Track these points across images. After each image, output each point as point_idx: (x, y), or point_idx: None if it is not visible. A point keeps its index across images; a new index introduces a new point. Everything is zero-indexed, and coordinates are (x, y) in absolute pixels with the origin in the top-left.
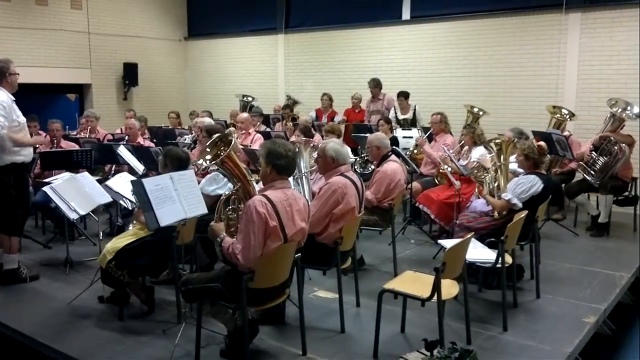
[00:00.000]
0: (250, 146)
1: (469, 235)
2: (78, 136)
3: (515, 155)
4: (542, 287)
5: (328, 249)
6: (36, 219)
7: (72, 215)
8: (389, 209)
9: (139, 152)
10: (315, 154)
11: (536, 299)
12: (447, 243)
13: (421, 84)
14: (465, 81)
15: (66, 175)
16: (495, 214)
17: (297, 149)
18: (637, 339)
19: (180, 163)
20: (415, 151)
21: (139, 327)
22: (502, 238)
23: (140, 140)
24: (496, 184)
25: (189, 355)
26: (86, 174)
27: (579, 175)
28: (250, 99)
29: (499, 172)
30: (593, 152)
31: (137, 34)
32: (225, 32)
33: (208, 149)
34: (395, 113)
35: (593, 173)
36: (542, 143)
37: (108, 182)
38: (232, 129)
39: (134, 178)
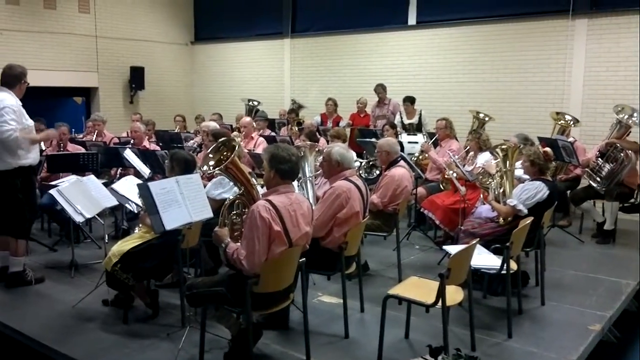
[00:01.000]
0: (254, 150)
1: (474, 242)
2: (84, 139)
3: (520, 161)
4: (547, 294)
5: (333, 254)
6: (42, 221)
7: (78, 218)
8: (394, 214)
9: (145, 155)
10: (320, 158)
11: (541, 305)
12: (452, 249)
13: (427, 89)
14: (471, 87)
15: (72, 178)
16: (501, 220)
17: (302, 153)
18: None
19: (187, 166)
20: (421, 157)
21: (143, 331)
22: (508, 244)
23: (146, 143)
24: (501, 190)
25: (193, 359)
26: (92, 177)
27: (584, 182)
28: (255, 103)
29: (504, 178)
30: (599, 159)
31: (144, 38)
32: (231, 36)
33: (211, 155)
34: (401, 118)
35: (599, 180)
36: (547, 149)
37: (114, 186)
38: (236, 133)
39: (139, 181)
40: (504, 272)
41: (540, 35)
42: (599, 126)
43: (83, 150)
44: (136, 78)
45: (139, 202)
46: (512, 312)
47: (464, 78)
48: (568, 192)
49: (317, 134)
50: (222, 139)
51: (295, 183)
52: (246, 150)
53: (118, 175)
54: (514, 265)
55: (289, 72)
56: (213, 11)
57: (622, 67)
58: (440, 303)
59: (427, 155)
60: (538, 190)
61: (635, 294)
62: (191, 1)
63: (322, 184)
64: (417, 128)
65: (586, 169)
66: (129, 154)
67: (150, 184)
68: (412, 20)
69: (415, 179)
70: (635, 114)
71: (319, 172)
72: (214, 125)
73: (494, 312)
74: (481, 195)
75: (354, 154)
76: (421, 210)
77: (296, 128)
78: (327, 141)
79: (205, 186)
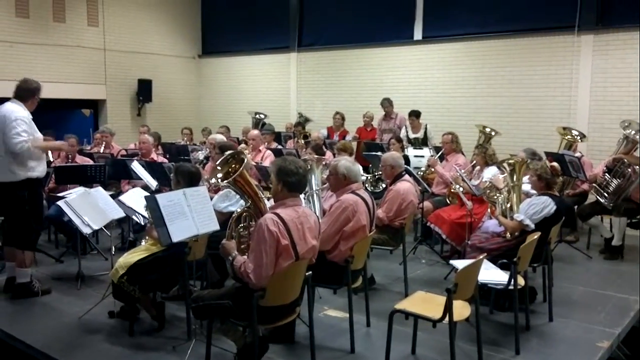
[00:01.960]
0: (261, 163)
1: (481, 256)
2: (92, 151)
3: (528, 176)
4: (555, 310)
5: (339, 268)
6: (49, 233)
7: (86, 230)
8: (400, 228)
9: (152, 167)
10: (326, 172)
11: (549, 322)
12: (459, 264)
13: (433, 104)
14: (477, 101)
15: (80, 189)
16: (508, 234)
17: (309, 167)
18: None
19: (191, 177)
20: (427, 171)
21: (149, 343)
22: (515, 259)
23: (153, 155)
24: (508, 205)
25: None
26: (100, 188)
27: (591, 197)
28: (262, 116)
29: (511, 192)
30: (606, 174)
31: (151, 51)
32: (238, 50)
33: (219, 167)
34: (407, 132)
35: (606, 195)
36: (555, 164)
37: (121, 197)
38: (243, 145)
39: (146, 193)
40: (511, 287)
41: (546, 51)
42: (606, 141)
43: (91, 162)
44: (144, 91)
45: (146, 214)
46: (519, 328)
47: (469, 93)
48: (575, 207)
49: (323, 147)
50: (231, 151)
51: (302, 196)
52: (253, 163)
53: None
54: (521, 281)
55: (295, 85)
56: (220, 25)
57: (629, 83)
58: (447, 318)
59: (433, 169)
60: (545, 205)
61: None
62: (199, 15)
63: (327, 197)
64: (422, 142)
65: (593, 185)
66: (136, 166)
67: (158, 196)
68: (418, 35)
69: (421, 193)
70: None
71: (325, 185)
72: (220, 137)
73: (502, 328)
74: (488, 210)
75: (360, 168)
76: (427, 224)
77: (302, 141)
78: (334, 154)
79: (212, 199)
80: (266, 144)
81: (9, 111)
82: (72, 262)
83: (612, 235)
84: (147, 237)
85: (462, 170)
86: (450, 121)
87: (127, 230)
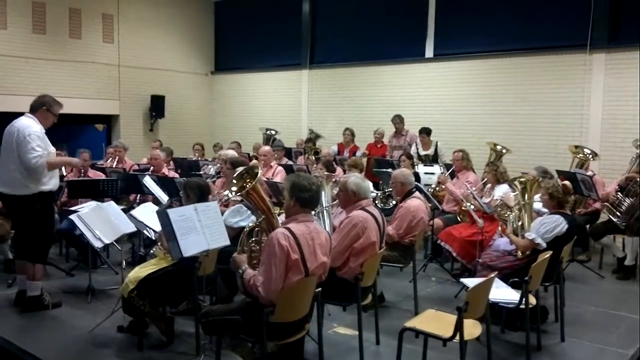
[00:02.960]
0: (272, 179)
1: (492, 275)
2: (104, 166)
3: (539, 195)
4: (567, 330)
5: (349, 285)
6: (60, 246)
7: (97, 244)
8: (410, 246)
9: (164, 182)
10: (337, 188)
11: (561, 342)
12: (470, 282)
13: (443, 121)
14: (488, 119)
15: (92, 204)
16: (519, 253)
17: (319, 183)
18: None
19: (201, 192)
20: (437, 188)
21: (158, 358)
22: (526, 278)
23: (165, 170)
24: (520, 223)
25: None
26: (112, 203)
27: (603, 216)
28: (273, 132)
29: (523, 210)
30: (619, 193)
31: (165, 68)
32: (250, 67)
33: (234, 181)
34: (417, 149)
35: (619, 214)
36: (566, 182)
37: (133, 212)
38: (255, 161)
39: (158, 208)
40: (522, 306)
41: (557, 69)
42: (618, 160)
43: (103, 177)
44: (157, 106)
45: (157, 228)
46: (531, 348)
47: (480, 110)
48: (587, 226)
49: (334, 163)
50: (246, 166)
51: (312, 213)
52: (264, 179)
53: (137, 202)
54: (532, 300)
55: (306, 102)
56: (233, 42)
57: None
58: (458, 337)
59: (443, 186)
60: (557, 224)
61: None
62: (212, 32)
63: (337, 213)
64: (433, 159)
65: (606, 203)
66: (148, 181)
67: (169, 211)
68: (429, 52)
69: (431, 210)
70: None
71: (335, 202)
72: (232, 153)
73: (513, 348)
74: (499, 228)
75: (370, 184)
76: (438, 241)
77: (313, 157)
78: (344, 171)
79: (222, 213)
80: (277, 159)
81: (22, 126)
82: (83, 275)
83: (625, 254)
84: (159, 244)
85: (473, 188)
86: (461, 138)
87: (137, 245)
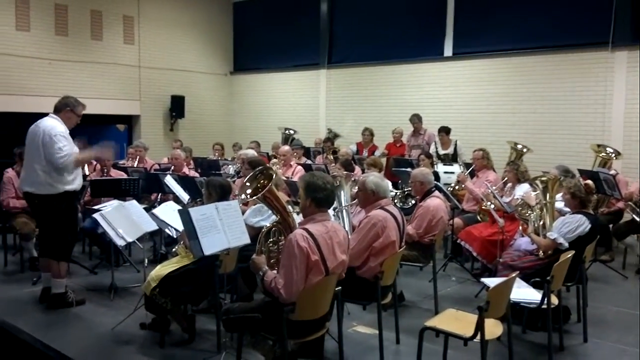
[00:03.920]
0: (291, 178)
1: (513, 274)
2: (126, 165)
3: (561, 194)
4: (589, 330)
5: (368, 284)
6: (83, 244)
7: (120, 242)
8: (430, 245)
9: (184, 181)
10: (356, 188)
11: (583, 342)
12: (491, 281)
13: (463, 120)
14: (508, 118)
15: (115, 202)
16: (541, 253)
17: (338, 183)
18: None
19: (222, 190)
20: (457, 187)
21: (179, 355)
22: (548, 278)
23: (185, 170)
24: (541, 223)
25: None
26: (134, 202)
27: (627, 216)
28: (292, 131)
29: (544, 210)
30: None
31: (185, 68)
32: (269, 67)
33: (248, 183)
34: (436, 148)
35: None
36: (589, 182)
37: (154, 211)
38: (274, 160)
39: (179, 207)
40: (544, 306)
41: (579, 67)
42: None
43: (125, 176)
44: (177, 106)
45: (178, 226)
46: (553, 349)
47: (500, 109)
48: (610, 225)
49: (352, 163)
50: (260, 167)
51: (331, 212)
52: (284, 178)
53: (158, 201)
54: (555, 300)
55: (324, 101)
56: (252, 43)
57: None
58: (479, 336)
59: (463, 185)
60: (579, 223)
61: None
62: (231, 33)
63: (356, 212)
64: (452, 158)
65: (629, 203)
66: (169, 180)
67: (191, 210)
68: (448, 51)
69: (451, 209)
70: None
71: (355, 201)
72: (252, 153)
73: (534, 348)
74: (520, 228)
75: (389, 183)
76: (458, 241)
77: (332, 156)
78: (363, 170)
79: (243, 212)
80: (296, 158)
81: (48, 127)
82: (106, 273)
83: None
84: (181, 242)
85: (494, 187)
86: (480, 138)
87: (159, 243)
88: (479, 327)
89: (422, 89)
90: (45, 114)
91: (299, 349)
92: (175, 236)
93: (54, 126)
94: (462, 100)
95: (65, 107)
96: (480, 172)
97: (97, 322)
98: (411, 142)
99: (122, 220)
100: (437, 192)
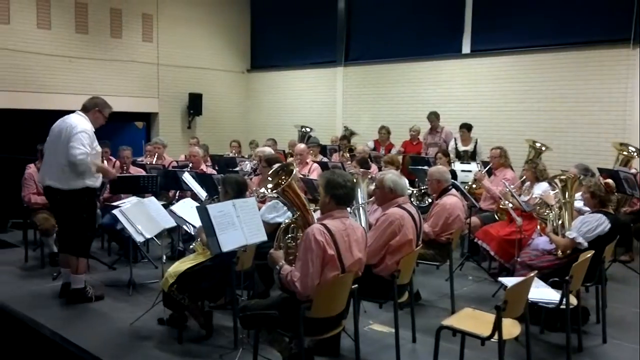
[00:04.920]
0: (307, 176)
1: (531, 274)
2: (144, 162)
3: (580, 193)
4: (608, 331)
5: (385, 282)
6: (102, 240)
7: (139, 238)
8: (447, 244)
9: (202, 179)
10: (372, 186)
11: (602, 344)
12: (509, 281)
13: (481, 118)
14: (527, 116)
15: (134, 199)
16: (559, 252)
17: (354, 180)
18: None
19: (239, 187)
20: (474, 185)
21: (197, 351)
22: (567, 278)
23: (203, 167)
24: (560, 222)
25: None
26: (153, 198)
27: None
28: (308, 129)
29: (563, 209)
30: None
31: (202, 66)
32: (286, 65)
33: (270, 178)
34: (456, 144)
35: None
36: (609, 181)
37: (173, 207)
38: (291, 158)
39: (197, 204)
40: (563, 306)
41: (599, 65)
42: None
43: (144, 173)
44: (194, 104)
45: (196, 223)
46: (571, 349)
47: (518, 107)
48: (631, 225)
49: (368, 160)
50: (281, 163)
51: (348, 209)
52: (300, 175)
53: (176, 197)
54: (573, 300)
55: (341, 99)
56: (269, 40)
57: None
58: (496, 336)
59: (480, 184)
60: (599, 223)
61: None
62: (248, 31)
63: (372, 210)
64: (471, 156)
65: None
66: (187, 177)
67: (209, 207)
68: (466, 48)
69: (469, 208)
70: None
71: (371, 199)
72: (269, 150)
73: (552, 349)
74: (538, 227)
75: (406, 181)
76: (475, 240)
77: (348, 154)
78: (379, 168)
79: (259, 209)
80: (312, 156)
81: (74, 123)
82: (124, 269)
83: None
84: (198, 239)
85: (511, 186)
86: (498, 135)
87: (176, 240)
88: (497, 326)
89: (440, 86)
90: (66, 112)
91: (315, 346)
92: (193, 233)
93: (79, 124)
94: (480, 97)
95: (94, 107)
96: (497, 171)
97: (116, 317)
98: (428, 139)
99: (141, 216)
100: (454, 191)
